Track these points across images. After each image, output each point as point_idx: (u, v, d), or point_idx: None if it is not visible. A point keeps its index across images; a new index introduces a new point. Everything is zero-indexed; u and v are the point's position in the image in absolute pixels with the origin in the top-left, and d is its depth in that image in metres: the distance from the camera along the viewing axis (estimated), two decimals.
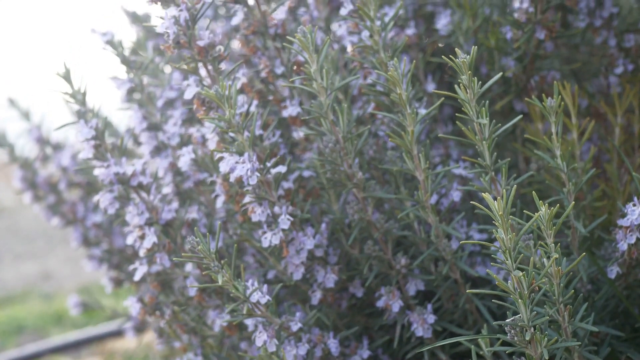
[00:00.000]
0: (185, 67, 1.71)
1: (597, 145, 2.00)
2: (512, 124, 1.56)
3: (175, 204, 1.91)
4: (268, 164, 1.64)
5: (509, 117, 2.05)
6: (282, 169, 1.66)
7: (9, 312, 4.54)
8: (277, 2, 1.85)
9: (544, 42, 1.86)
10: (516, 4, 1.83)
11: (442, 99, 1.59)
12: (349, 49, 1.92)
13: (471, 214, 1.90)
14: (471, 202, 1.47)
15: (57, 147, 2.59)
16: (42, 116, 2.60)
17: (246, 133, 1.62)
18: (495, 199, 1.37)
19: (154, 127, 1.97)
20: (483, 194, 1.40)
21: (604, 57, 2.03)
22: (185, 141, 1.97)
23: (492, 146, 1.57)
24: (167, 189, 1.99)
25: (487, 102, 1.54)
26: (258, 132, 1.74)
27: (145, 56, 2.09)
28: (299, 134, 1.87)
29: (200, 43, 1.67)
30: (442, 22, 2.03)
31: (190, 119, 2.02)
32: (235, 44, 2.50)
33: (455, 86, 1.55)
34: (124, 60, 1.96)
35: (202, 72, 1.73)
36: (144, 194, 1.83)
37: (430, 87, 2.01)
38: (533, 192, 1.46)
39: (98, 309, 2.72)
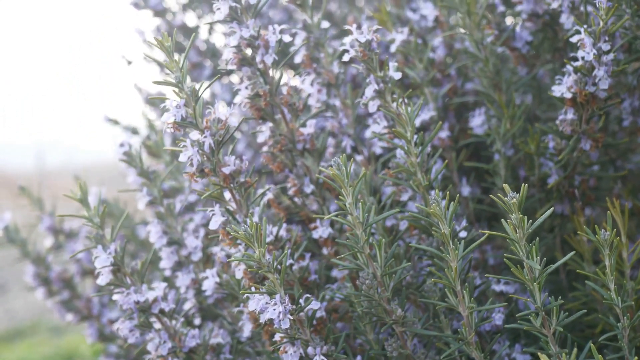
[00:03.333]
0: (208, 192, 1.60)
1: None
2: (562, 262, 1.45)
3: (197, 321, 1.79)
4: (301, 302, 1.53)
5: (549, 220, 1.94)
6: (315, 305, 1.54)
7: (19, 353, 4.42)
8: (304, 115, 1.74)
9: (588, 151, 1.74)
10: (560, 115, 1.71)
11: (486, 234, 1.48)
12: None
13: (513, 332, 1.79)
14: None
15: (70, 235, 2.48)
16: (54, 204, 2.50)
17: (277, 266, 1.51)
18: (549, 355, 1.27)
19: (174, 242, 1.86)
20: (539, 354, 1.29)
21: None
22: (207, 255, 1.86)
23: (543, 284, 1.46)
24: (188, 304, 1.88)
25: (538, 239, 1.44)
26: (288, 261, 1.63)
27: (163, 159, 1.99)
28: (329, 250, 1.76)
29: (226, 170, 1.56)
30: (477, 122, 1.92)
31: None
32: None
33: (503, 221, 1.44)
34: (142, 173, 1.85)
35: (227, 195, 1.62)
36: (165, 319, 1.72)
37: (465, 190, 1.90)
38: (591, 344, 1.35)
39: None
